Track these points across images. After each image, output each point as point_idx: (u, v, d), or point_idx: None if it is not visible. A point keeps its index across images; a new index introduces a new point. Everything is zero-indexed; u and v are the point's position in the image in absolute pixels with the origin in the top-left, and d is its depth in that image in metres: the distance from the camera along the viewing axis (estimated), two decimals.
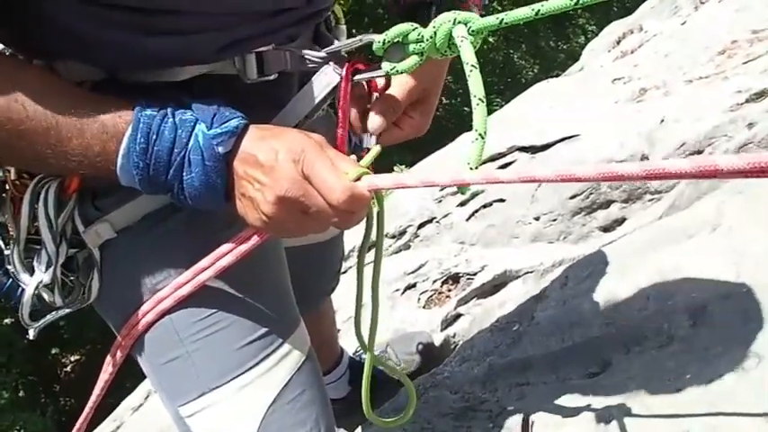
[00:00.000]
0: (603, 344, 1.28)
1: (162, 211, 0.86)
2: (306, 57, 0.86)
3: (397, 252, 2.51)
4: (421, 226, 2.51)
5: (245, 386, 0.89)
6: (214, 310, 0.88)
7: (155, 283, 0.87)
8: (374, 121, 0.89)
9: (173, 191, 0.75)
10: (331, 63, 0.85)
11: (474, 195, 2.39)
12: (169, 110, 0.73)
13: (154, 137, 0.72)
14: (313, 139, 0.74)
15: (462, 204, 2.49)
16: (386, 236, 2.59)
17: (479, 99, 0.70)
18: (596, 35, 4.39)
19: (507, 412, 1.29)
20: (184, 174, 0.73)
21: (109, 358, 0.87)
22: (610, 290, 1.39)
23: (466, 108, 9.17)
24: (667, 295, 1.25)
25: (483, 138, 0.70)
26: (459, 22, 0.74)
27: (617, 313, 1.31)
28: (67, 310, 0.88)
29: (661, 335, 1.20)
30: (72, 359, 9.55)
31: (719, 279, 1.19)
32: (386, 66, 0.78)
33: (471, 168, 0.71)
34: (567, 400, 1.21)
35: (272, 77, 0.84)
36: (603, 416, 1.10)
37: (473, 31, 0.74)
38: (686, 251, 1.33)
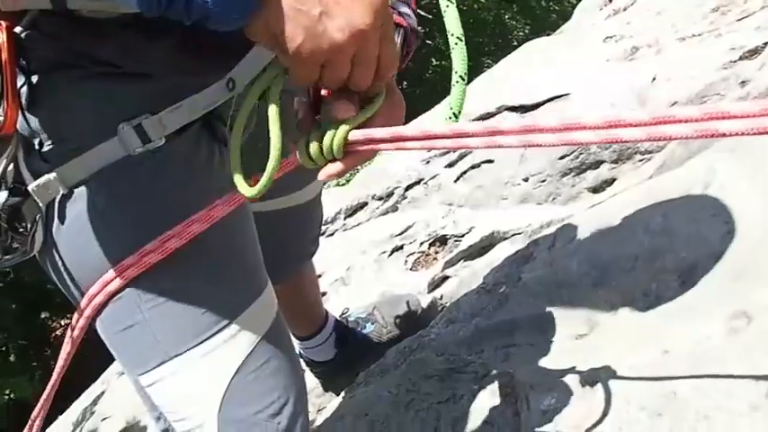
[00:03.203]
0: (591, 305, 1.26)
1: (119, 166, 0.80)
2: None
3: (384, 214, 2.48)
4: (408, 188, 2.48)
5: (206, 354, 0.85)
6: (174, 277, 0.83)
7: (111, 252, 0.81)
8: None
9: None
10: None
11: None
12: None
13: None
14: None
15: (450, 165, 2.45)
16: (373, 198, 2.56)
17: (457, 38, 0.66)
18: None
19: (493, 374, 1.28)
20: None
21: (69, 332, 0.83)
22: (598, 250, 1.37)
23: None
24: (656, 255, 1.23)
25: (464, 79, 0.66)
26: None
27: (605, 274, 1.29)
28: (12, 261, 0.83)
29: (649, 295, 1.18)
30: (62, 323, 9.54)
31: (710, 238, 1.17)
32: None
33: (454, 114, 0.67)
34: (554, 362, 1.19)
35: None
36: (590, 378, 1.08)
37: None
38: (676, 210, 1.30)
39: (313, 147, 0.67)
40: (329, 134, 0.65)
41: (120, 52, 0.77)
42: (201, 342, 0.85)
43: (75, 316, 0.82)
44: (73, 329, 0.81)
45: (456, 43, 0.66)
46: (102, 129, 0.78)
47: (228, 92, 0.82)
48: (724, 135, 0.43)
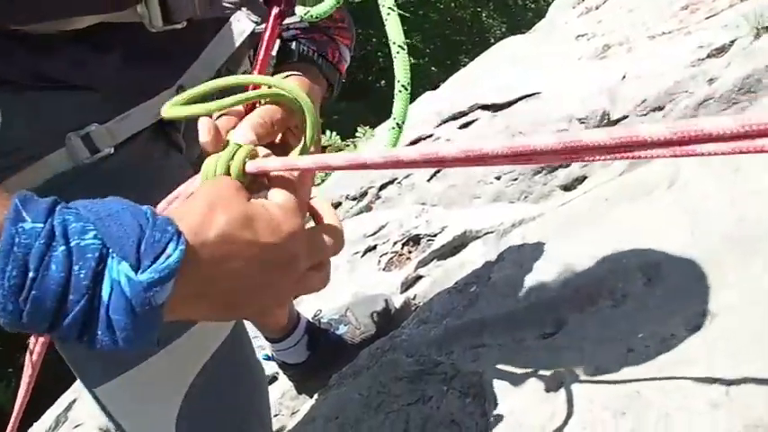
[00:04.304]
0: (559, 304, 1.26)
1: (68, 176, 0.77)
2: (215, 2, 0.79)
3: (358, 214, 2.47)
4: (382, 187, 2.47)
5: (161, 365, 0.83)
6: None
7: None
8: (240, 131, 0.67)
9: (65, 339, 0.50)
10: (244, 9, 0.78)
11: None
12: (57, 224, 0.48)
13: (32, 274, 0.46)
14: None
15: None
16: (347, 197, 2.55)
17: (399, 47, 0.63)
18: None
19: (462, 375, 1.27)
20: (98, 332, 0.50)
21: (27, 356, 0.80)
22: (566, 250, 1.37)
23: (433, 68, 9.06)
24: (622, 254, 1.23)
25: (407, 89, 0.64)
26: None
27: (572, 273, 1.29)
28: None
29: (615, 294, 1.18)
30: None
31: (674, 236, 1.18)
32: (300, 10, 0.71)
33: (397, 124, 0.66)
34: (521, 363, 1.19)
35: (179, 26, 0.77)
36: (556, 378, 1.08)
37: None
38: (642, 208, 1.31)
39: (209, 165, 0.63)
40: (224, 157, 0.62)
41: (68, 66, 0.75)
42: (155, 353, 0.83)
43: (32, 339, 0.79)
44: (32, 353, 0.79)
45: (398, 52, 0.64)
46: (50, 139, 0.76)
47: None
48: (639, 157, 0.44)
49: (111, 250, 0.48)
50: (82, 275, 0.47)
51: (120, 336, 0.49)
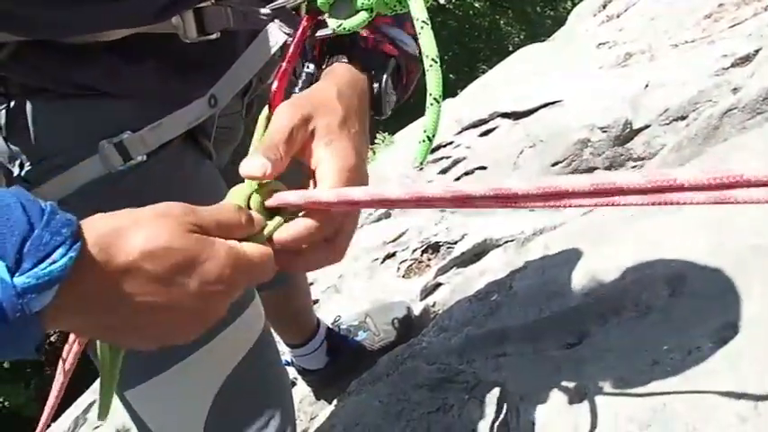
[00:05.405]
0: (581, 314, 1.26)
1: (100, 183, 0.78)
2: (249, 14, 0.79)
3: (377, 221, 2.47)
4: None
5: (191, 369, 0.84)
6: None
7: None
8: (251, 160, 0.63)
9: None
10: (277, 20, 0.79)
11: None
12: None
13: None
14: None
15: (444, 172, 2.45)
16: None
17: (432, 60, 0.63)
18: (582, 0, 4.31)
19: (483, 384, 1.27)
20: None
21: (60, 364, 0.81)
22: (589, 259, 1.36)
23: (451, 75, 9.07)
24: (646, 265, 1.22)
25: (438, 102, 0.64)
26: None
27: (595, 283, 1.29)
28: None
29: (639, 305, 1.17)
30: None
31: (699, 248, 1.17)
32: (332, 23, 0.70)
33: (428, 137, 0.65)
34: (544, 373, 1.18)
35: (213, 36, 0.78)
36: (579, 389, 1.07)
37: None
38: (666, 220, 1.30)
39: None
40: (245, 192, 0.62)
41: (102, 75, 0.76)
42: (184, 358, 0.83)
43: (66, 347, 0.80)
44: (64, 361, 0.79)
45: (431, 65, 0.63)
46: (83, 146, 0.77)
47: (210, 108, 0.82)
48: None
49: None
50: None
51: None
